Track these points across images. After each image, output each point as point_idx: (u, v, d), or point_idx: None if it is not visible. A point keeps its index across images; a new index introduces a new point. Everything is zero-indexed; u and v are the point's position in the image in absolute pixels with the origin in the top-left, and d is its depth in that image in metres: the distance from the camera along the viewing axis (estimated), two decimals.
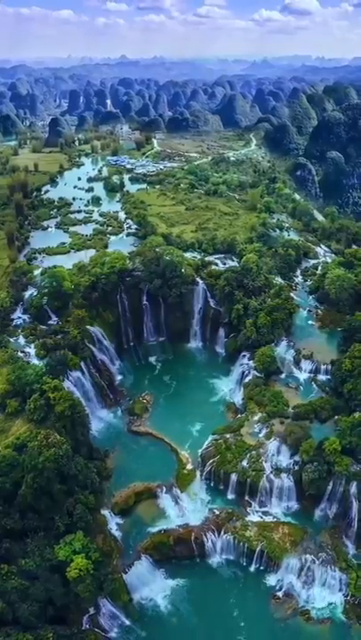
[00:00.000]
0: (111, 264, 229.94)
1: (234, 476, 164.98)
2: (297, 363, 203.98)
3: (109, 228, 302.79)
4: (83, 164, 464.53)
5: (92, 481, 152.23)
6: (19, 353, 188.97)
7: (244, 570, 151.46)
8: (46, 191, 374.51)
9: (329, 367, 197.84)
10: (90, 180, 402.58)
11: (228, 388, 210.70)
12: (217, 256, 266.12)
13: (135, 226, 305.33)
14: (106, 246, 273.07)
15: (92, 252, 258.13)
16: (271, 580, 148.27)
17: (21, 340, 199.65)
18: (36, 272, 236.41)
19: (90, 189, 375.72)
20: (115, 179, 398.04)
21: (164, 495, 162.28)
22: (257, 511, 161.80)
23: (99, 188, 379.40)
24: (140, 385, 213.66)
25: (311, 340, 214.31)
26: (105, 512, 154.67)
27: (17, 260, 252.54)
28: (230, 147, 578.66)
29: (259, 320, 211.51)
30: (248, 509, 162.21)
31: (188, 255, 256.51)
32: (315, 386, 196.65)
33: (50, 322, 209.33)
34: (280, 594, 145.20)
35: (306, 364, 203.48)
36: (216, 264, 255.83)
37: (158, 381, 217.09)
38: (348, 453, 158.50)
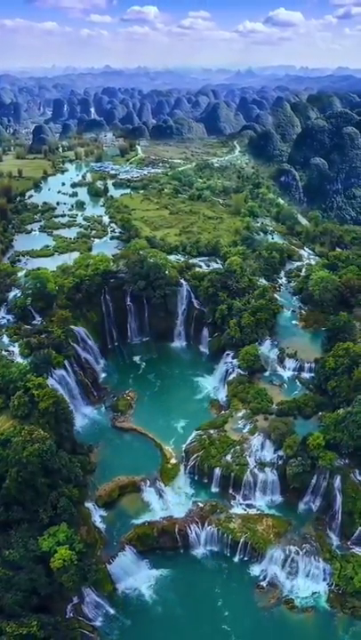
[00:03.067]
0: (95, 266, 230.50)
1: (218, 471, 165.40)
2: (281, 361, 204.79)
3: (93, 232, 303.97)
4: (67, 170, 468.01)
5: (76, 475, 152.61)
6: (2, 352, 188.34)
7: (227, 560, 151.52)
8: (30, 196, 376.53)
9: (313, 365, 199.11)
10: (74, 185, 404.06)
11: (211, 385, 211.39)
12: (201, 258, 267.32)
13: (119, 229, 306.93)
14: (90, 249, 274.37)
15: (75, 255, 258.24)
16: (255, 570, 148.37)
17: (5, 340, 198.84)
18: (20, 274, 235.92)
19: (74, 194, 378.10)
20: (99, 184, 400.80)
21: (148, 489, 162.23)
22: (241, 504, 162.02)
23: (83, 193, 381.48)
24: (124, 383, 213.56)
25: (295, 340, 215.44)
26: (89, 505, 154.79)
27: (0, 263, 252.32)
28: (214, 153, 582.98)
29: (243, 320, 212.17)
30: (232, 502, 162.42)
31: (171, 258, 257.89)
32: (299, 383, 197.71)
33: (34, 322, 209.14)
34: (264, 583, 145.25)
35: (290, 363, 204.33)
36: (200, 266, 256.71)
37: (143, 380, 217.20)
38: (332, 448, 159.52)
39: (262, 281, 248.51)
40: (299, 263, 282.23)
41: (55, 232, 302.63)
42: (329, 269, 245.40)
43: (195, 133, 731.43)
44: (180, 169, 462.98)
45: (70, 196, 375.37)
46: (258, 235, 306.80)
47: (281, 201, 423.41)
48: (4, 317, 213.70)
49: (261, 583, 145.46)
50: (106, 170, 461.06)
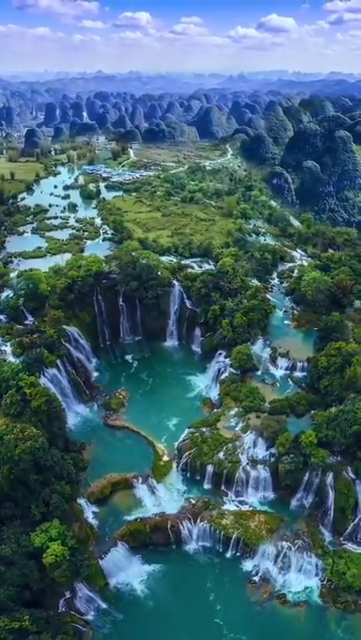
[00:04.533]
0: (87, 267, 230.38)
1: (210, 468, 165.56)
2: (273, 360, 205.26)
3: (86, 234, 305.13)
4: (59, 173, 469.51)
5: (68, 472, 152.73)
6: None
7: (220, 556, 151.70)
8: (22, 198, 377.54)
9: (305, 364, 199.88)
10: (66, 187, 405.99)
11: (204, 384, 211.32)
12: (193, 260, 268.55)
13: (111, 231, 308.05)
14: (82, 250, 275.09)
15: (68, 256, 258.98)
16: (247, 565, 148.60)
17: None
18: (12, 275, 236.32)
19: (66, 197, 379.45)
20: (91, 186, 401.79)
21: (140, 485, 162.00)
22: (233, 500, 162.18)
23: (75, 196, 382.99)
24: (116, 382, 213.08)
25: (287, 339, 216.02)
26: (81, 501, 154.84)
27: None
28: (207, 156, 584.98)
29: (235, 320, 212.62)
30: (224, 499, 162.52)
31: (164, 259, 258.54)
32: (291, 382, 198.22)
33: (26, 322, 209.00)
34: (256, 578, 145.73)
35: (282, 362, 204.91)
36: (192, 267, 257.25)
37: (135, 378, 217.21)
38: (325, 446, 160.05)
39: (255, 282, 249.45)
40: (291, 264, 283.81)
41: (47, 234, 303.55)
42: (321, 270, 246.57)
43: (187, 137, 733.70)
44: (172, 172, 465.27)
45: (63, 198, 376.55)
46: (250, 236, 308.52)
47: (273, 203, 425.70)
48: None
49: (254, 578, 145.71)
50: (98, 173, 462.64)
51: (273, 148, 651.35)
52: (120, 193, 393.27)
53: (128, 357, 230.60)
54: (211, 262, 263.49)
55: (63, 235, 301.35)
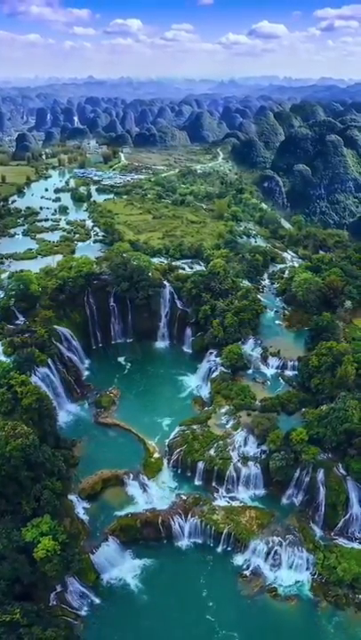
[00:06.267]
0: (78, 268, 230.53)
1: (201, 464, 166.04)
2: (264, 359, 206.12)
3: (76, 235, 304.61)
4: (50, 177, 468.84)
5: (59, 468, 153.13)
6: None
7: (211, 551, 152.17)
8: (13, 201, 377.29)
9: (296, 363, 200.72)
10: (57, 190, 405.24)
11: (195, 384, 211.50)
12: (184, 261, 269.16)
13: (102, 233, 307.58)
14: (73, 252, 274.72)
15: (59, 258, 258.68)
16: (238, 560, 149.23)
17: None
18: (3, 276, 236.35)
19: (57, 199, 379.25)
20: (82, 189, 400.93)
21: (131, 482, 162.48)
22: (224, 497, 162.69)
23: (66, 199, 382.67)
24: (109, 382, 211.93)
25: (278, 339, 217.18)
26: (72, 497, 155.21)
27: None
28: (198, 160, 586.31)
29: (226, 320, 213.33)
30: (215, 495, 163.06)
31: (155, 260, 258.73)
32: (282, 381, 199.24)
33: (17, 322, 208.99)
34: (247, 572, 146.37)
35: (273, 361, 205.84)
36: (183, 268, 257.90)
37: (127, 379, 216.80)
38: (315, 443, 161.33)
39: (245, 282, 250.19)
40: (282, 265, 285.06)
41: (38, 236, 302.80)
42: (312, 271, 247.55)
43: (178, 141, 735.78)
44: (163, 175, 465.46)
45: (53, 201, 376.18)
46: (241, 238, 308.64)
47: (264, 206, 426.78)
48: None
49: (245, 572, 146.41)
50: (89, 176, 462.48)
51: (264, 152, 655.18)
52: (111, 196, 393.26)
53: (121, 359, 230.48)
54: (201, 263, 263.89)
55: (54, 237, 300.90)
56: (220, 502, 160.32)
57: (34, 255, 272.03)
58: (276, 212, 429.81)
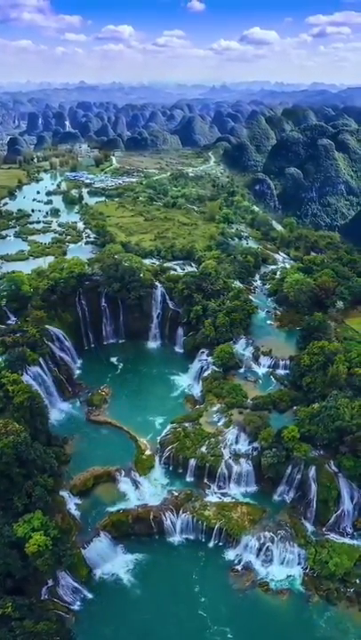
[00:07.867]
0: (70, 269, 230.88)
1: (193, 461, 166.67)
2: (256, 359, 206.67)
3: (68, 237, 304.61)
4: (42, 180, 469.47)
5: (51, 465, 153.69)
6: None
7: (203, 546, 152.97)
8: (5, 204, 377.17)
9: (287, 362, 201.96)
10: (49, 193, 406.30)
11: (187, 383, 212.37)
12: (176, 262, 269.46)
13: (94, 235, 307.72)
14: (65, 253, 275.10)
15: (50, 259, 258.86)
16: (230, 554, 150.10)
17: None
18: None
19: (49, 202, 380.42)
20: (73, 192, 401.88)
21: (122, 478, 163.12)
22: (216, 493, 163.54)
23: (58, 201, 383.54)
24: (101, 382, 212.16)
25: (270, 339, 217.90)
26: (64, 493, 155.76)
27: None
28: (189, 163, 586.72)
29: (217, 320, 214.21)
30: (207, 492, 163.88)
31: (146, 261, 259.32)
32: (273, 380, 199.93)
33: (9, 322, 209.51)
34: (239, 567, 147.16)
35: (265, 360, 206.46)
36: (175, 270, 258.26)
37: (120, 379, 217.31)
38: (307, 441, 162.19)
39: (237, 283, 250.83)
40: (274, 267, 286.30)
41: (30, 237, 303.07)
42: (304, 272, 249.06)
43: (170, 145, 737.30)
44: (154, 178, 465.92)
45: (45, 203, 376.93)
46: (232, 240, 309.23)
47: (256, 208, 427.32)
48: None
49: (236, 567, 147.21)
50: (81, 179, 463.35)
51: (255, 155, 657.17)
52: (103, 198, 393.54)
53: (113, 359, 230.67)
54: (193, 265, 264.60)
55: (46, 238, 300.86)
56: (212, 498, 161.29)
57: (25, 257, 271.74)
58: (267, 214, 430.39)
